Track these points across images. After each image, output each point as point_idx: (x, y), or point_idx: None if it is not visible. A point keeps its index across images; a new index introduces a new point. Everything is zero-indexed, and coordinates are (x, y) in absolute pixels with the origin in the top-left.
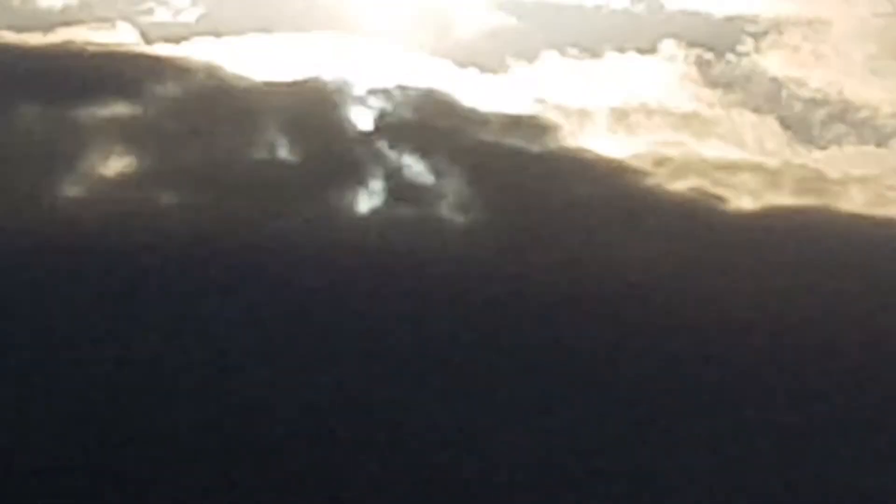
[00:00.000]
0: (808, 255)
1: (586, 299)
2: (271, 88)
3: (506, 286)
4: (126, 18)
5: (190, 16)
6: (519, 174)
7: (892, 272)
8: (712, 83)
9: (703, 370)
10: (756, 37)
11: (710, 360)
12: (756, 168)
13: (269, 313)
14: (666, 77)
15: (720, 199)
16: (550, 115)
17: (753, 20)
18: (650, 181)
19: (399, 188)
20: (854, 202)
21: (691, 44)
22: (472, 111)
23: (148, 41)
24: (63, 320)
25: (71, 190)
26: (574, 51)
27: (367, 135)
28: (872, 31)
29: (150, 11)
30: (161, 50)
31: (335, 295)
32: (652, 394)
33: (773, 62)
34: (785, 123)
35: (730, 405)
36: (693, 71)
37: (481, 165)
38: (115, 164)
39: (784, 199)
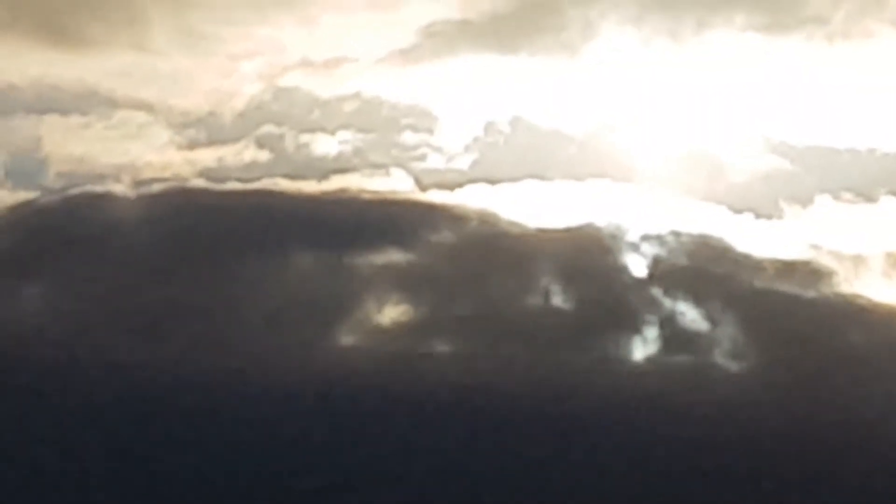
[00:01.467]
0: None
1: (863, 449)
2: (545, 235)
3: (781, 434)
4: (400, 165)
5: (463, 162)
6: (793, 321)
7: None
8: None
9: None
10: None
11: None
12: None
13: (545, 459)
14: None
15: None
16: (825, 261)
17: None
18: None
19: (673, 335)
20: None
21: None
22: (746, 256)
23: (422, 188)
24: (341, 465)
25: (347, 338)
26: (848, 195)
27: (641, 281)
28: None
29: (423, 157)
30: (435, 196)
31: (612, 441)
32: None
33: None
34: None
35: None
36: None
37: (755, 312)
38: (391, 312)
39: None
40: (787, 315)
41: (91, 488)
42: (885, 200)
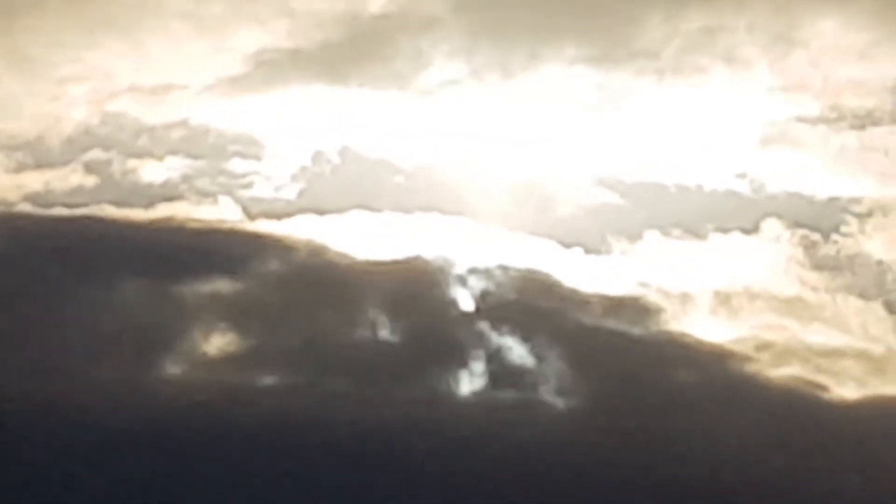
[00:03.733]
0: None
1: (687, 487)
2: (373, 267)
3: (606, 472)
4: (227, 193)
5: (291, 191)
6: (620, 358)
7: None
8: (817, 266)
9: None
10: (860, 218)
11: None
12: (860, 355)
13: (366, 495)
14: (769, 258)
15: (822, 387)
16: (652, 298)
17: (857, 201)
18: (752, 367)
19: (500, 370)
20: None
21: (794, 224)
22: (574, 292)
23: (250, 217)
24: (163, 495)
25: (171, 368)
26: (677, 230)
27: (468, 315)
28: None
29: (250, 185)
30: (263, 226)
31: (435, 478)
32: None
33: (878, 245)
34: (891, 308)
35: None
36: (797, 252)
37: (582, 348)
38: (216, 342)
39: (889, 387)
40: (615, 352)
41: None
42: (714, 238)
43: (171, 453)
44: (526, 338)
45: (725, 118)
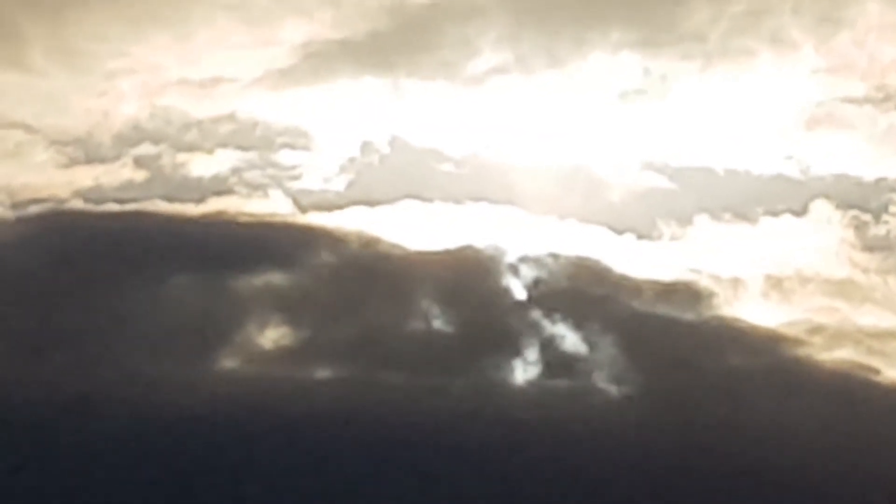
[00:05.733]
0: None
1: (741, 471)
2: (425, 257)
3: (661, 458)
4: (277, 185)
5: (340, 183)
6: (672, 344)
7: None
8: (867, 247)
9: None
10: None
11: None
12: None
13: (424, 486)
14: (820, 241)
15: (874, 370)
16: (704, 283)
17: None
18: (804, 350)
19: (554, 359)
20: None
21: (844, 205)
22: (625, 278)
23: (301, 209)
24: (222, 488)
25: (228, 361)
26: (727, 215)
27: (520, 304)
28: None
29: (299, 177)
30: (314, 219)
31: (492, 468)
32: None
33: None
34: None
35: None
36: (847, 234)
37: (634, 335)
38: (270, 335)
39: None
40: (667, 338)
41: None
42: (764, 221)
43: (228, 445)
44: (578, 325)
45: (772, 100)
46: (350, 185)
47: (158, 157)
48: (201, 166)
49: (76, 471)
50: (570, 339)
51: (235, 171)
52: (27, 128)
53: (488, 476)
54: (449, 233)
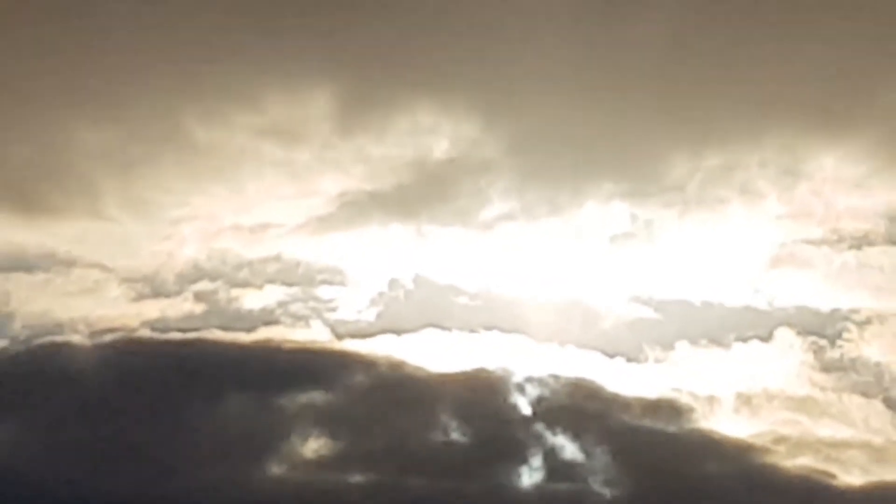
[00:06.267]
0: None
1: None
2: (444, 378)
3: None
4: (317, 316)
5: (370, 314)
6: (657, 452)
7: None
8: (825, 368)
9: None
10: (860, 326)
11: None
12: (864, 445)
13: None
14: (783, 363)
15: (831, 475)
16: (684, 400)
17: (856, 311)
18: (770, 458)
19: (555, 466)
20: None
21: (804, 332)
22: (616, 396)
23: (337, 337)
24: None
25: (276, 468)
26: (703, 340)
27: (526, 418)
28: None
29: (336, 309)
30: (349, 345)
31: None
32: None
33: (876, 349)
34: (889, 404)
35: None
36: (807, 357)
37: (625, 445)
38: (312, 445)
39: (891, 474)
40: (653, 447)
41: None
42: (736, 346)
43: None
44: (576, 437)
45: (742, 242)
46: (379, 315)
47: (215, 292)
48: (252, 300)
49: None
50: (569, 449)
51: (281, 304)
52: (103, 267)
53: None
54: (465, 357)
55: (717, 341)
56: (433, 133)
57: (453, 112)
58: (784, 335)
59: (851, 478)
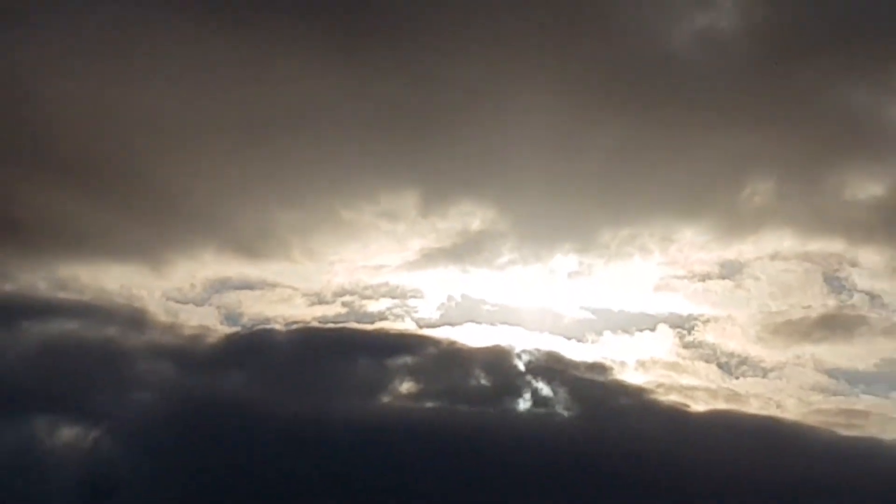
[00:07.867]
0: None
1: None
2: (477, 350)
3: (583, 451)
4: (408, 315)
5: (437, 315)
6: (593, 392)
7: None
8: (684, 346)
9: None
10: (704, 323)
11: None
12: (704, 390)
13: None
14: (662, 344)
15: (686, 406)
16: (608, 364)
17: (702, 315)
18: (654, 396)
19: (537, 399)
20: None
21: (673, 326)
22: (572, 360)
23: (420, 327)
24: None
25: (383, 399)
26: (619, 330)
27: (521, 373)
28: None
29: (418, 311)
30: (426, 332)
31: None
32: None
33: (712, 336)
34: (720, 367)
35: None
36: (675, 340)
37: (576, 388)
38: (405, 387)
39: (720, 406)
40: (591, 389)
41: None
42: (637, 334)
43: (393, 444)
44: (549, 383)
45: (639, 277)
46: (442, 316)
47: (353, 302)
48: (373, 307)
49: None
50: (545, 390)
51: (388, 309)
52: (292, 288)
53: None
54: (488, 339)
55: (626, 331)
56: (471, 215)
57: (482, 203)
58: (663, 328)
59: (698, 407)
